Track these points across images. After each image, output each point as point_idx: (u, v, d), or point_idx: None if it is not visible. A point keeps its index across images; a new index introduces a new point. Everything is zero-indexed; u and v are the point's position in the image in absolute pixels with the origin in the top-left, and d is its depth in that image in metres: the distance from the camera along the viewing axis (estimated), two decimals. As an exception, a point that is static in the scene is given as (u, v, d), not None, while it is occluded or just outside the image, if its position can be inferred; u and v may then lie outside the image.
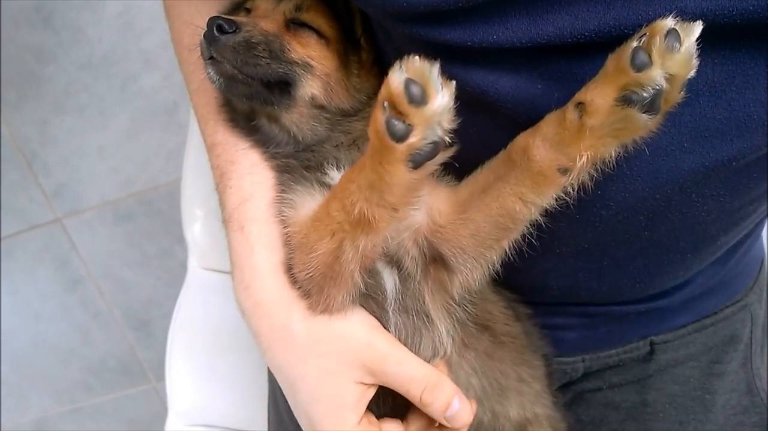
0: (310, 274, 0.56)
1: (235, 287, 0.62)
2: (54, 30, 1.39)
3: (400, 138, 0.45)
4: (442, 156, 0.48)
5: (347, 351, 0.57)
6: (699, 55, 0.45)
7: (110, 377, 1.86)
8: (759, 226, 0.74)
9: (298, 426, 0.64)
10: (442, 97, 0.44)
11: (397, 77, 0.44)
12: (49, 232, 1.65)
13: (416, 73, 0.44)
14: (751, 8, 0.43)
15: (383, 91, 0.45)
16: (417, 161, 0.46)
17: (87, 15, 1.38)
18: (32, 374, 1.85)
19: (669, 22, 0.43)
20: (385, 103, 0.45)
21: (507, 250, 0.58)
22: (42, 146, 1.53)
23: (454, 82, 0.45)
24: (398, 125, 0.45)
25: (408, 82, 0.43)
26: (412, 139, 0.45)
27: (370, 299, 0.61)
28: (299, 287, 0.59)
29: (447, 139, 0.46)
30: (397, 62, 0.44)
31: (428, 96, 0.44)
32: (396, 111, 0.44)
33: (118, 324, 1.78)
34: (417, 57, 0.44)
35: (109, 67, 1.43)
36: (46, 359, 1.83)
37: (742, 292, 0.78)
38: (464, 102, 0.47)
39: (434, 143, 0.46)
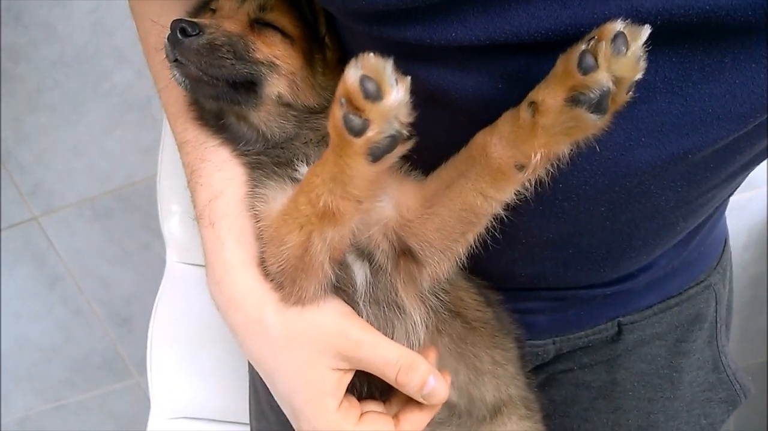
0: (282, 266, 0.57)
1: (208, 282, 0.63)
2: (24, 28, 1.38)
3: (358, 133, 0.46)
4: (401, 149, 0.49)
5: (321, 340, 0.58)
6: (656, 53, 0.46)
7: (93, 373, 1.85)
8: (720, 208, 0.76)
9: (279, 415, 0.65)
10: (397, 93, 0.45)
11: (352, 74, 0.45)
12: (26, 230, 1.63)
13: (371, 70, 0.45)
14: (707, 7, 0.44)
15: (340, 87, 0.46)
16: (376, 155, 0.48)
17: (58, 12, 1.36)
18: (15, 373, 1.84)
19: (617, 25, 0.43)
20: (342, 100, 0.46)
21: (473, 242, 0.60)
22: (16, 144, 1.51)
23: (409, 78, 0.46)
24: (355, 120, 0.46)
25: (363, 79, 0.45)
26: (370, 133, 0.46)
27: (341, 292, 0.62)
28: (272, 280, 0.60)
29: (405, 132, 0.48)
30: (353, 60, 0.45)
31: (383, 92, 0.45)
32: (353, 107, 0.46)
33: (100, 320, 1.78)
34: (371, 54, 0.45)
35: (82, 64, 1.41)
36: (29, 357, 1.82)
37: (705, 272, 0.80)
38: (427, 100, 0.48)
39: (392, 136, 0.47)
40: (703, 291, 0.80)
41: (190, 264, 1.15)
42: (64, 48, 1.40)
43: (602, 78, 0.45)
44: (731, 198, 0.76)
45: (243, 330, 0.61)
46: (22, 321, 1.77)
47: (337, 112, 0.47)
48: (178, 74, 0.60)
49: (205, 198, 0.64)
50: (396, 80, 0.45)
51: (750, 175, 0.70)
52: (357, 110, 0.46)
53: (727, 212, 0.84)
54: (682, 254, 0.74)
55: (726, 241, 0.86)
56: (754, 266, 1.45)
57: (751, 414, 1.59)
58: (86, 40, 1.39)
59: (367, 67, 0.45)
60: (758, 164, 0.64)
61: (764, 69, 0.47)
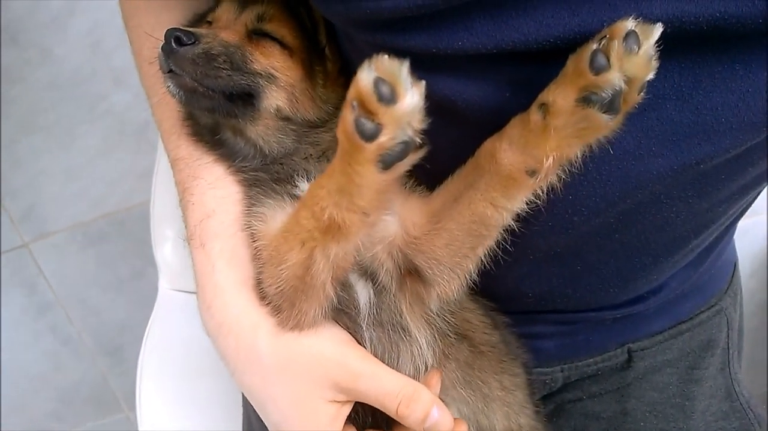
0: (281, 287, 0.55)
1: (199, 307, 0.61)
2: (20, 49, 1.38)
3: (370, 137, 0.44)
4: (413, 157, 0.47)
5: (317, 370, 0.56)
6: (665, 60, 0.45)
7: (82, 406, 1.81)
8: (730, 229, 0.75)
9: (274, 448, 0.62)
10: (412, 97, 0.44)
11: (366, 76, 0.43)
12: (16, 257, 1.61)
13: (385, 72, 0.43)
14: (717, 14, 0.43)
15: (352, 90, 0.44)
16: (387, 162, 0.46)
17: (54, 34, 1.36)
18: (4, 401, 1.80)
19: (629, 24, 0.43)
20: (354, 103, 0.44)
21: (482, 258, 0.58)
22: (8, 167, 1.50)
23: (424, 82, 0.45)
24: (367, 125, 0.44)
25: (377, 81, 0.43)
26: (382, 138, 0.44)
27: (343, 314, 0.59)
28: (269, 303, 0.57)
29: (417, 139, 0.46)
30: (366, 61, 0.43)
31: (398, 95, 0.43)
32: (365, 110, 0.44)
33: (89, 350, 1.75)
34: (386, 56, 0.43)
35: (77, 86, 1.41)
36: (16, 388, 1.78)
37: (716, 296, 0.79)
38: (433, 110, 0.47)
39: (404, 143, 0.45)
40: (715, 316, 0.78)
41: (183, 292, 1.12)
42: (59, 70, 1.40)
43: (614, 77, 0.44)
44: (734, 224, 0.75)
45: (234, 357, 0.58)
46: (9, 351, 1.74)
47: (348, 115, 0.45)
48: (172, 85, 0.58)
49: (196, 217, 0.62)
50: (411, 84, 0.44)
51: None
52: (369, 113, 0.44)
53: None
54: (692, 276, 0.73)
55: (735, 265, 0.85)
56: (759, 294, 1.43)
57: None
58: (82, 62, 1.40)
59: (382, 69, 0.43)
60: None
61: None
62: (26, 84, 1.41)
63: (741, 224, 0.76)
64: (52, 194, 1.53)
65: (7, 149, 1.48)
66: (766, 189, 0.66)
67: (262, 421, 0.61)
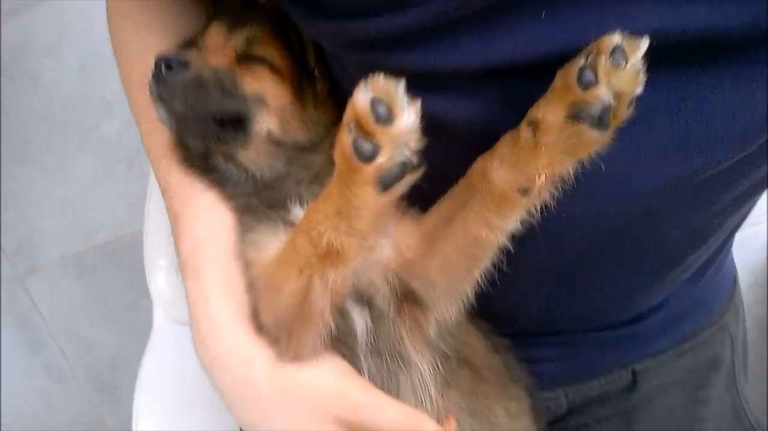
0: (278, 317, 0.54)
1: (194, 339, 0.59)
2: (11, 79, 1.38)
3: (368, 159, 0.44)
4: (411, 178, 0.47)
5: (317, 403, 0.55)
6: (654, 74, 0.45)
7: (77, 446, 1.78)
8: (727, 243, 0.75)
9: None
10: (408, 116, 0.44)
11: (362, 96, 0.43)
12: (9, 291, 1.60)
13: (382, 92, 0.43)
14: (703, 26, 0.44)
15: (348, 111, 0.44)
16: (386, 183, 0.46)
17: (45, 64, 1.37)
18: (-5, 444, 1.77)
19: (615, 38, 0.43)
20: (351, 124, 0.44)
21: (478, 280, 0.57)
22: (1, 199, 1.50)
23: (419, 101, 0.45)
24: (365, 146, 0.44)
25: (374, 101, 0.43)
26: (380, 159, 0.44)
27: (340, 344, 0.58)
28: (266, 334, 0.56)
29: (414, 160, 0.46)
30: (362, 81, 0.43)
31: (394, 115, 0.43)
32: (362, 131, 0.44)
33: (83, 387, 1.72)
34: (381, 75, 0.43)
35: (69, 115, 1.41)
36: (8, 428, 1.75)
37: (717, 312, 0.78)
38: (423, 129, 0.47)
39: (402, 163, 0.45)
40: (718, 333, 0.78)
41: (179, 323, 1.11)
42: (51, 100, 1.41)
43: (602, 92, 0.44)
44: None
45: (231, 391, 0.57)
46: (4, 389, 1.71)
47: (346, 137, 0.44)
48: (162, 112, 0.58)
49: (188, 246, 0.61)
50: (407, 103, 0.44)
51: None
52: (367, 134, 0.44)
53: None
54: (692, 292, 0.72)
55: (735, 279, 0.85)
56: (757, 307, 1.42)
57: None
58: (74, 91, 1.40)
59: (378, 89, 0.43)
60: (765, 188, 0.63)
61: (765, 88, 0.47)
62: (17, 114, 1.41)
63: (739, 235, 0.76)
64: (45, 224, 1.53)
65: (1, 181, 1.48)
66: (764, 201, 0.66)
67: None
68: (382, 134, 0.43)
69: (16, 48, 1.35)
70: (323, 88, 0.63)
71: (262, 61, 0.61)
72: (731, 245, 0.79)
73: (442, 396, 0.61)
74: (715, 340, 0.77)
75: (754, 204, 0.67)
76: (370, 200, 0.46)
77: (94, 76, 1.38)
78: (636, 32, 0.44)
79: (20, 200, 1.50)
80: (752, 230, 1.35)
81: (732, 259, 0.83)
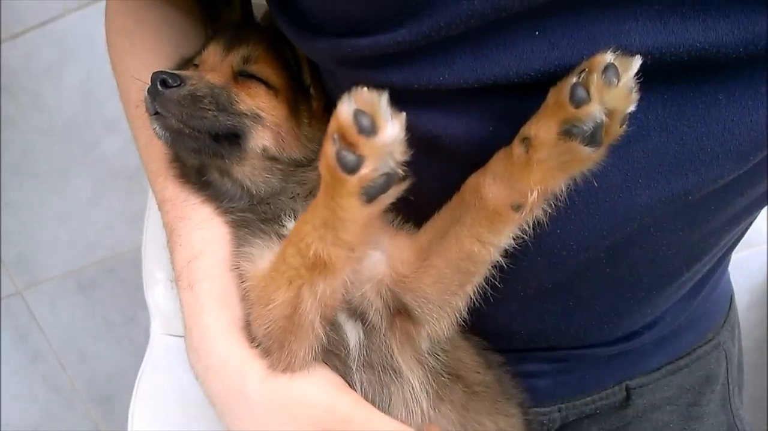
0: (269, 328, 0.54)
1: (187, 349, 0.60)
2: (13, 96, 1.39)
3: (352, 170, 0.44)
4: (396, 190, 0.47)
5: (307, 416, 0.55)
6: (649, 91, 0.46)
7: (75, 458, 1.78)
8: (723, 261, 0.75)
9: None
10: (392, 128, 0.43)
11: (345, 108, 0.43)
12: (9, 305, 1.60)
13: (365, 104, 0.43)
14: (698, 45, 0.44)
15: (332, 123, 0.44)
16: (370, 194, 0.45)
17: (47, 82, 1.38)
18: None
19: (607, 57, 0.43)
20: (335, 135, 0.44)
21: (472, 296, 0.57)
22: (1, 212, 1.51)
23: (404, 114, 0.45)
24: (349, 157, 0.44)
25: (357, 113, 0.43)
26: (364, 170, 0.44)
27: (333, 356, 0.58)
28: (258, 345, 0.56)
29: (400, 171, 0.45)
30: (345, 94, 0.44)
31: (378, 126, 0.43)
32: (346, 142, 0.44)
33: (81, 399, 1.72)
34: (365, 88, 0.43)
35: (70, 133, 1.43)
36: (7, 441, 1.75)
37: (713, 330, 0.78)
38: (417, 145, 0.47)
39: (387, 174, 0.45)
40: (713, 350, 0.78)
41: (175, 336, 1.11)
42: (52, 117, 1.42)
43: (594, 110, 0.45)
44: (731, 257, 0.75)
45: (222, 401, 0.57)
46: (2, 401, 1.71)
47: (330, 149, 0.44)
48: (158, 127, 0.59)
49: (184, 258, 0.62)
50: (391, 115, 0.44)
51: (748, 232, 0.70)
52: (351, 145, 0.44)
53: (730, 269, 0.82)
54: (687, 309, 0.72)
55: (732, 298, 0.84)
56: (759, 328, 1.41)
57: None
58: (76, 110, 1.41)
59: (361, 101, 0.43)
60: (760, 208, 0.63)
61: (761, 105, 0.47)
62: (20, 131, 1.43)
63: (739, 256, 0.76)
64: (45, 240, 1.54)
65: (1, 196, 1.49)
66: (765, 221, 0.65)
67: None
68: (365, 146, 0.43)
69: (18, 68, 1.37)
70: (318, 105, 0.64)
71: (258, 79, 0.62)
72: (728, 264, 0.79)
73: (434, 409, 0.61)
74: (710, 357, 0.77)
75: (750, 223, 0.67)
76: (355, 212, 0.46)
77: (96, 94, 1.39)
78: (630, 50, 0.44)
79: (20, 214, 1.51)
80: (751, 252, 1.35)
81: (728, 278, 0.83)
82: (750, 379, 1.43)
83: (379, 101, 0.43)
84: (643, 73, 0.44)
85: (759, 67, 0.45)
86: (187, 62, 0.67)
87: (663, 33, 0.44)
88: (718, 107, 0.47)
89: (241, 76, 0.62)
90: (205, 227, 0.63)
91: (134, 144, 0.74)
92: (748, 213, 0.62)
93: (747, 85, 0.46)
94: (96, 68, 1.37)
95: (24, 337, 1.64)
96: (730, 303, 0.83)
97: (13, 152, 1.44)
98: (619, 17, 0.45)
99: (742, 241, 0.71)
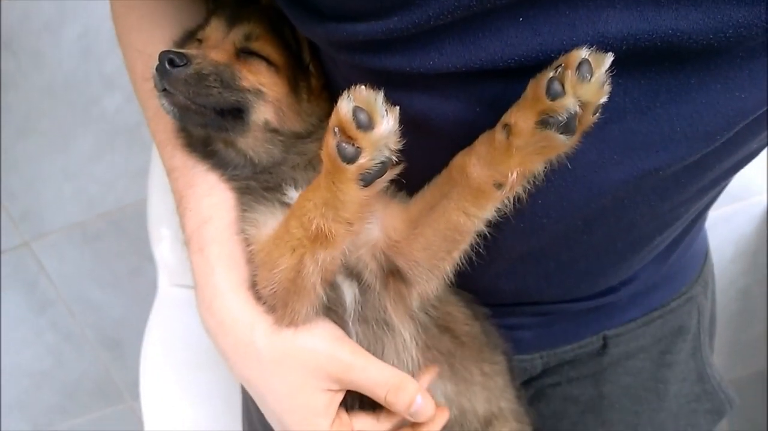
0: (274, 289, 0.59)
1: (198, 307, 0.64)
2: (13, 55, 1.39)
3: (350, 160, 0.49)
4: (390, 174, 0.52)
5: (312, 363, 0.60)
6: (626, 75, 0.48)
7: (85, 399, 1.84)
8: (696, 223, 0.77)
9: (271, 436, 0.66)
10: (387, 122, 0.48)
11: (345, 105, 0.48)
12: (17, 256, 1.63)
13: (363, 101, 0.48)
14: (670, 32, 0.46)
15: (333, 118, 0.49)
16: (367, 180, 0.51)
17: (46, 39, 1.37)
18: (6, 400, 1.82)
19: (582, 53, 0.46)
20: (336, 129, 0.49)
21: (458, 260, 0.62)
22: (5, 171, 1.52)
23: (398, 108, 0.49)
24: (348, 149, 0.49)
25: (355, 110, 0.47)
26: (362, 160, 0.49)
27: (331, 312, 0.63)
28: (264, 303, 0.61)
29: (394, 158, 0.50)
30: (345, 92, 0.48)
31: (374, 122, 0.48)
32: (346, 136, 0.49)
33: (91, 344, 1.77)
34: (363, 87, 0.48)
35: (71, 90, 1.42)
36: (20, 384, 1.81)
37: (686, 285, 0.82)
38: (409, 125, 0.50)
39: (382, 162, 0.50)
40: (685, 304, 0.81)
41: (181, 287, 1.15)
42: (53, 75, 1.41)
43: (569, 103, 0.47)
44: (717, 211, 0.76)
45: (233, 353, 0.62)
46: (11, 348, 1.76)
47: (331, 141, 0.49)
48: (166, 103, 0.61)
49: (193, 224, 0.65)
50: (386, 111, 0.48)
51: (733, 188, 0.72)
52: (350, 138, 0.48)
53: (712, 225, 0.86)
54: (662, 268, 0.76)
55: (707, 254, 0.87)
56: (743, 278, 1.45)
57: (747, 424, 1.60)
58: (75, 66, 1.40)
59: (359, 99, 0.48)
60: (728, 179, 0.66)
61: (727, 90, 0.49)
62: (20, 90, 1.42)
63: (724, 210, 0.77)
64: (50, 195, 1.55)
65: (5, 153, 1.49)
66: (749, 177, 0.65)
67: (259, 410, 0.65)
68: (363, 139, 0.48)
69: (17, 26, 1.35)
70: (317, 82, 0.66)
71: (259, 56, 0.64)
72: (702, 224, 0.81)
73: (423, 357, 0.67)
74: (683, 310, 0.81)
75: (720, 191, 0.70)
76: (353, 194, 0.51)
77: (95, 52, 1.38)
78: (606, 37, 0.46)
79: (24, 170, 1.52)
80: (737, 206, 1.35)
81: (704, 235, 0.86)
82: (733, 327, 1.49)
83: (376, 99, 0.48)
84: (620, 59, 0.46)
85: (726, 54, 0.47)
86: (190, 35, 0.68)
87: (638, 20, 0.46)
88: (690, 91, 0.49)
89: (243, 53, 0.64)
90: (212, 194, 0.66)
91: (134, 101, 0.75)
92: (716, 184, 0.65)
93: (716, 71, 0.48)
94: (94, 25, 1.36)
95: (33, 287, 1.68)
96: (705, 261, 0.86)
97: (15, 109, 1.44)
98: (597, 5, 0.46)
99: (729, 196, 0.70)
